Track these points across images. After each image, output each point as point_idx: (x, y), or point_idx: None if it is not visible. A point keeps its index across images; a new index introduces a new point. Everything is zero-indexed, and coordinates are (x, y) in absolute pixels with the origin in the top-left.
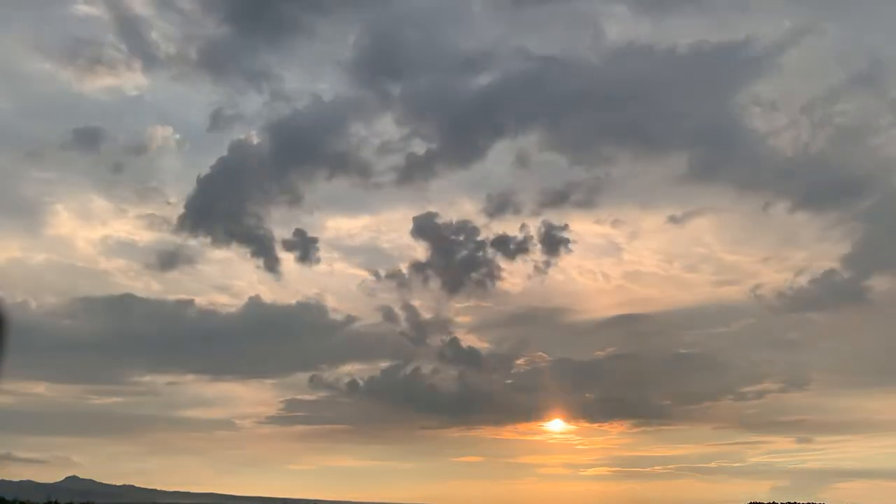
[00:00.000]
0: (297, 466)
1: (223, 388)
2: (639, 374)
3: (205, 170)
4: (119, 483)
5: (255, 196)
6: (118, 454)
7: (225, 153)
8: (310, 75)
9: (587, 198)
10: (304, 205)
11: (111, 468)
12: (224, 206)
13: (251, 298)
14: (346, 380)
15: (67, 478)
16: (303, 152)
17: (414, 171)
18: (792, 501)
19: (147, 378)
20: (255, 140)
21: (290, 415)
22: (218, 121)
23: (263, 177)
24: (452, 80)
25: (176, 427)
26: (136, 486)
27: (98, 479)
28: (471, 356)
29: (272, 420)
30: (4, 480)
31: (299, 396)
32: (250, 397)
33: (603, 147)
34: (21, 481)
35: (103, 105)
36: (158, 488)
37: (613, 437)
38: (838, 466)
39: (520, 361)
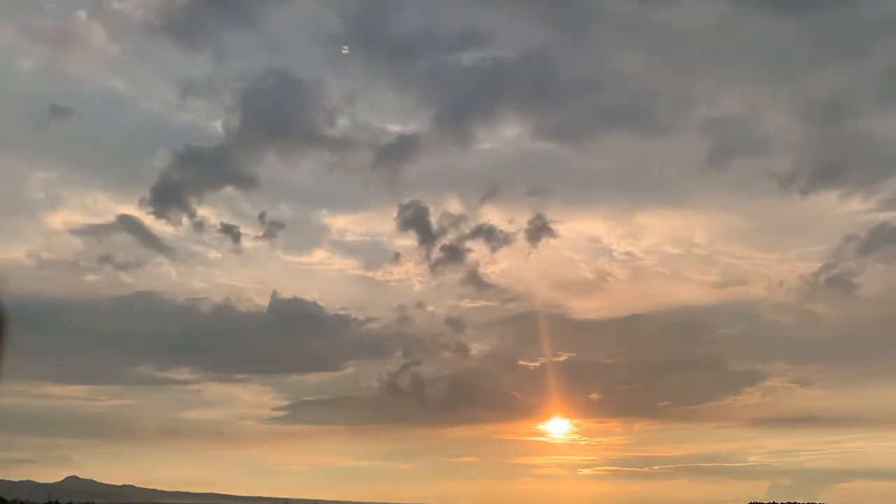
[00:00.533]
0: (297, 466)
1: (223, 388)
2: (639, 374)
3: (175, 150)
4: (119, 483)
5: (227, 181)
6: (118, 454)
7: (195, 132)
8: (288, 49)
9: (587, 189)
10: (279, 192)
11: (111, 468)
12: (194, 193)
13: (244, 296)
14: (345, 379)
15: (67, 478)
16: (279, 133)
17: (400, 156)
18: (792, 501)
19: (147, 378)
20: (229, 119)
21: (291, 414)
22: (188, 96)
23: (236, 160)
24: (443, 59)
25: (176, 427)
26: (136, 486)
27: (98, 479)
28: (469, 355)
29: (272, 420)
30: (4, 480)
31: (299, 396)
32: (250, 397)
33: (603, 134)
34: (21, 481)
35: (74, 84)
36: (158, 488)
37: (613, 437)
38: (838, 466)
39: (519, 360)
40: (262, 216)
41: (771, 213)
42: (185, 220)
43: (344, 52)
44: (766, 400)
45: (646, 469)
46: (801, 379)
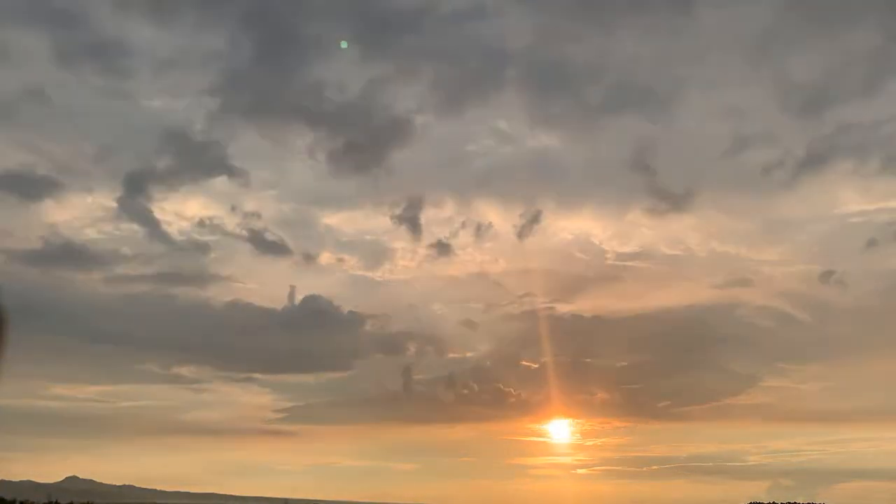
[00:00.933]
0: (297, 466)
1: (223, 388)
2: (639, 374)
3: (154, 135)
4: (119, 483)
5: (215, 172)
6: (118, 454)
7: (172, 116)
8: (269, 21)
9: (583, 182)
10: (265, 183)
11: (111, 468)
12: (170, 185)
13: (242, 294)
14: (346, 379)
15: (67, 478)
16: (263, 115)
17: (385, 144)
18: (792, 501)
19: (146, 378)
20: (212, 101)
21: (291, 414)
22: (164, 70)
23: (220, 148)
24: (435, 37)
25: (176, 427)
26: (136, 486)
27: (98, 479)
28: (468, 355)
29: (273, 420)
30: (4, 480)
31: (299, 396)
32: (250, 397)
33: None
34: (21, 481)
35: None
36: (158, 488)
37: (613, 437)
38: (838, 466)
39: (520, 360)
40: (234, 208)
41: (770, 210)
42: (157, 213)
43: (342, 46)
44: (766, 400)
45: (646, 469)
46: (802, 379)
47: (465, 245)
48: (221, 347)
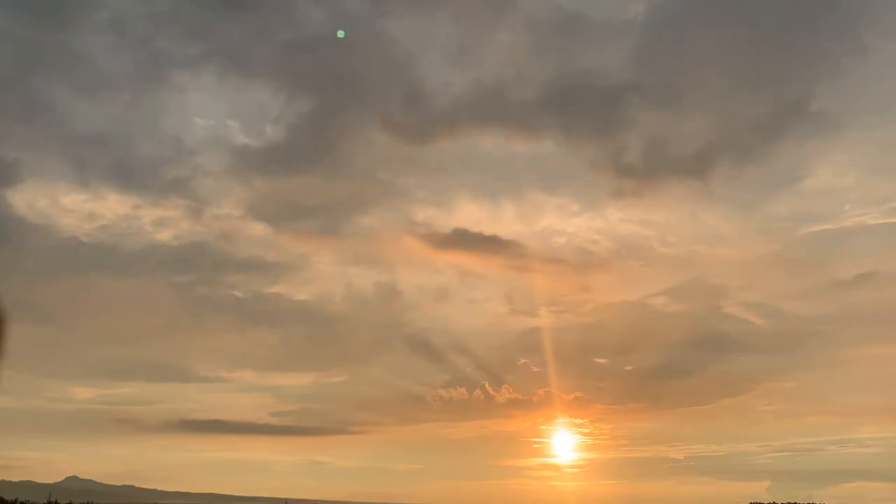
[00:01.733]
0: (296, 466)
1: (222, 387)
2: (639, 374)
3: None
4: (119, 483)
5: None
6: (118, 454)
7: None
8: None
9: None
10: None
11: (111, 468)
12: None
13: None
14: (345, 378)
15: (67, 478)
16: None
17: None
18: (792, 502)
19: (147, 377)
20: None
21: (291, 414)
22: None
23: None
24: None
25: (176, 427)
26: (136, 486)
27: (98, 479)
28: (467, 355)
29: (273, 419)
30: (4, 480)
31: (300, 395)
32: (250, 396)
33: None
34: (21, 481)
35: None
36: (158, 488)
37: (614, 437)
38: (838, 466)
39: (519, 360)
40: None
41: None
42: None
43: (340, 35)
44: (766, 400)
45: (646, 469)
46: (802, 379)
47: (458, 243)
48: (220, 347)
